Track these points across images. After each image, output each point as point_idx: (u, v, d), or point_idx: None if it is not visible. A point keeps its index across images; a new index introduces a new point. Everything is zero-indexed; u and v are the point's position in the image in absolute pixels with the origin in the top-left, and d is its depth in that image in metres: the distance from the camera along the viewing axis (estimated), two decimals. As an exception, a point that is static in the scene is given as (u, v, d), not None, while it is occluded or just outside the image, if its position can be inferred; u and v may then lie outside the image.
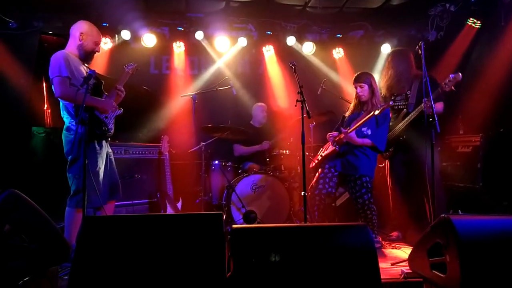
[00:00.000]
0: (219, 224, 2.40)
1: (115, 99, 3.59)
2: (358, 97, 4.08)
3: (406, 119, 4.13)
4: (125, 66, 3.72)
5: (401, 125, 4.19)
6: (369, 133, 3.93)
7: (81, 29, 3.47)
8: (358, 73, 4.10)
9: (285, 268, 2.31)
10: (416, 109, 4.04)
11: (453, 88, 3.77)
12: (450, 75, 3.78)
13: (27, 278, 2.20)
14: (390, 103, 3.91)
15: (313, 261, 2.34)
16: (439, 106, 3.95)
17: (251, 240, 2.38)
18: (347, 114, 4.22)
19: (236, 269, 2.28)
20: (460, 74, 3.75)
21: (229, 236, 2.40)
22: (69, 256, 2.54)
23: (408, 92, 4.25)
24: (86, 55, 3.51)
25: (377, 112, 3.74)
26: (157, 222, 2.41)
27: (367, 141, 3.92)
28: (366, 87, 3.99)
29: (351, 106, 4.22)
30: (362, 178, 3.94)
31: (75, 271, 2.16)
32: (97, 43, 3.55)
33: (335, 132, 4.14)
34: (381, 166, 4.60)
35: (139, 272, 2.21)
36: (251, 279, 2.26)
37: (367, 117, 3.83)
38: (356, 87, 4.05)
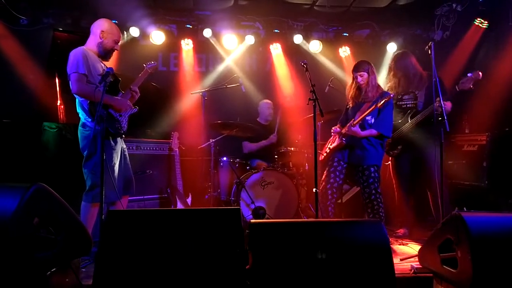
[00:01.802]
0: (237, 219, 2.47)
1: (130, 99, 3.66)
2: (357, 86, 4.13)
3: (416, 117, 4.19)
4: (145, 64, 3.78)
5: (409, 124, 4.25)
6: (372, 122, 4.00)
7: (102, 27, 3.52)
8: (357, 62, 4.18)
9: (301, 261, 2.38)
10: (427, 108, 4.09)
11: (471, 86, 3.82)
12: (468, 74, 3.83)
13: (54, 269, 2.26)
14: (391, 95, 3.94)
15: (329, 255, 2.41)
16: (448, 105, 4.02)
17: (269, 234, 2.46)
18: (350, 105, 4.27)
19: (254, 262, 2.35)
20: (480, 72, 3.79)
21: (247, 231, 2.48)
22: (90, 249, 2.61)
23: (416, 92, 4.31)
24: (106, 53, 3.58)
25: (379, 104, 3.83)
26: (178, 217, 2.49)
27: (372, 131, 3.99)
28: (365, 75, 4.06)
29: (350, 96, 4.25)
30: (370, 168, 4.02)
31: (100, 263, 2.23)
32: (117, 42, 3.61)
33: (338, 128, 4.21)
34: (386, 164, 4.66)
35: (161, 265, 2.28)
36: (269, 271, 2.34)
37: (370, 109, 3.90)
38: (356, 77, 4.10)
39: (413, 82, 4.30)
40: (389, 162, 4.62)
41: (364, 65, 4.09)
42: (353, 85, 4.19)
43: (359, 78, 4.08)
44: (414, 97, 4.32)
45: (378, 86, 4.14)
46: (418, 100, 4.28)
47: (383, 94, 4.04)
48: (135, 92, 3.67)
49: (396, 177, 4.50)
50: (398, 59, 4.41)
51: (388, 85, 4.48)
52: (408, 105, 4.36)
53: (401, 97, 4.39)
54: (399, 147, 4.38)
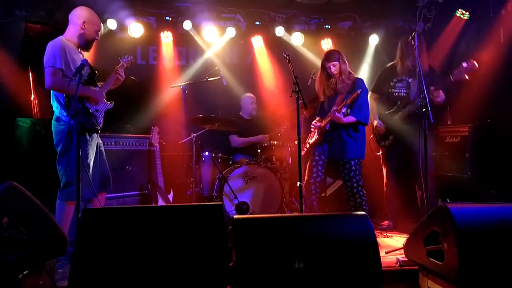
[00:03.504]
0: (220, 215, 2.40)
1: (114, 83, 3.54)
2: (328, 77, 4.06)
3: (408, 106, 4.18)
4: (121, 58, 3.65)
5: (402, 114, 4.23)
6: (349, 112, 3.95)
7: (83, 18, 3.38)
8: (327, 51, 4.14)
9: (286, 257, 2.32)
10: (413, 104, 4.08)
11: (466, 77, 3.81)
12: (463, 64, 3.81)
13: (26, 271, 2.15)
14: (358, 91, 3.83)
15: (314, 250, 2.36)
16: (441, 95, 4.00)
17: (253, 230, 2.39)
18: (324, 100, 4.20)
19: (238, 259, 2.28)
20: (476, 62, 3.78)
21: (230, 227, 2.40)
22: (66, 250, 2.50)
23: (410, 80, 4.28)
24: (87, 44, 3.45)
25: (348, 101, 3.82)
26: (157, 213, 2.41)
27: (351, 118, 3.93)
28: (338, 64, 4.00)
29: (322, 90, 4.16)
30: (351, 162, 3.98)
31: (76, 264, 2.13)
32: (98, 32, 3.48)
33: (318, 122, 4.17)
34: (378, 154, 4.61)
35: (141, 264, 2.19)
36: (253, 268, 2.27)
37: (346, 101, 3.86)
38: (329, 67, 4.03)
39: (409, 68, 4.24)
40: (380, 153, 4.58)
41: (336, 54, 4.03)
42: (323, 77, 4.11)
43: (332, 68, 4.01)
44: (407, 85, 4.29)
45: (350, 73, 4.08)
46: (411, 89, 4.25)
47: (356, 82, 3.99)
48: (120, 75, 3.55)
49: (386, 168, 4.48)
50: (402, 42, 4.32)
51: (391, 63, 4.44)
52: (401, 94, 4.32)
53: (394, 84, 4.34)
54: (390, 137, 4.34)
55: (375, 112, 4.44)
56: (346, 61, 4.06)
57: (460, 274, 2.28)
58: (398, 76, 4.34)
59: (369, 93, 4.35)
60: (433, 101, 3.89)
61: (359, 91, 3.78)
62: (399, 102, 4.28)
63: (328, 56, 4.05)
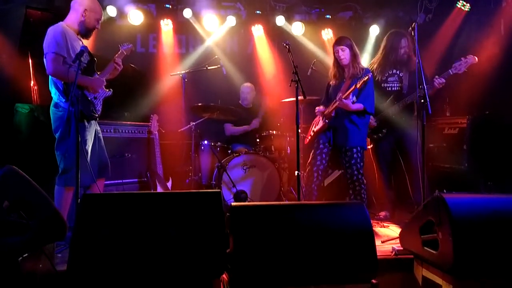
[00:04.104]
0: (218, 202, 2.42)
1: (112, 73, 3.54)
2: (338, 61, 4.05)
3: (404, 100, 4.17)
4: (120, 45, 3.64)
5: (395, 107, 4.23)
6: (354, 100, 3.96)
7: (84, 5, 3.36)
8: (339, 37, 4.11)
9: (283, 244, 2.35)
10: (412, 95, 4.09)
11: (465, 70, 3.84)
12: (462, 58, 3.84)
13: (26, 254, 2.17)
14: (370, 75, 3.86)
15: (311, 238, 2.39)
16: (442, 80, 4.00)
17: (250, 217, 2.41)
18: (333, 82, 4.20)
19: (235, 245, 2.31)
20: (476, 57, 3.80)
21: (227, 214, 2.42)
22: (65, 234, 2.52)
23: (401, 74, 4.29)
24: (87, 32, 3.44)
25: (358, 85, 3.77)
26: (156, 200, 2.42)
27: (359, 106, 3.94)
28: (347, 50, 3.98)
29: (331, 74, 4.19)
30: (353, 149, 4.00)
31: (74, 248, 2.15)
32: (99, 20, 3.47)
33: (322, 107, 4.17)
34: (368, 147, 4.63)
35: (139, 250, 2.21)
36: (250, 255, 2.30)
37: (352, 88, 3.85)
38: (337, 51, 4.01)
39: (399, 62, 4.26)
40: (370, 146, 4.60)
41: (346, 40, 4.01)
42: (335, 63, 4.11)
43: (340, 52, 3.99)
44: (399, 79, 4.29)
45: (359, 63, 4.06)
46: (403, 83, 4.26)
47: (364, 71, 3.98)
48: (118, 65, 3.55)
49: (377, 161, 4.49)
50: (390, 36, 4.34)
51: (375, 61, 4.42)
52: (393, 88, 4.32)
53: (386, 78, 4.33)
54: (383, 130, 4.35)
55: None
56: (357, 51, 4.05)
57: (454, 263, 2.30)
58: (388, 70, 4.32)
59: None
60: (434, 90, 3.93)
61: (369, 75, 3.77)
62: (394, 95, 4.28)
63: (338, 40, 4.04)
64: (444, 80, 3.94)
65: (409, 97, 4.16)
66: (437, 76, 3.93)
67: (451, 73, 3.89)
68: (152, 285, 2.19)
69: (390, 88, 4.34)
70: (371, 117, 4.28)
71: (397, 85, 4.30)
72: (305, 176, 4.23)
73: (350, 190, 4.05)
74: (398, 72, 4.30)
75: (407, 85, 4.24)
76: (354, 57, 4.00)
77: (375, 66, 4.39)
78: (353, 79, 3.93)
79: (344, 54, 3.98)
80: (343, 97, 3.88)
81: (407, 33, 4.25)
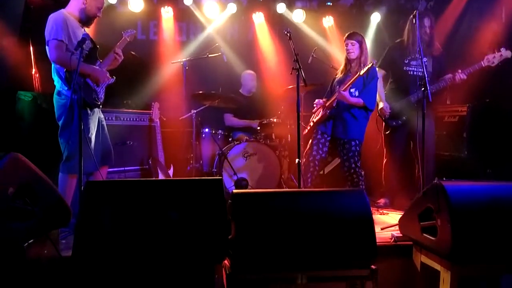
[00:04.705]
0: (219, 189, 2.45)
1: (112, 64, 3.54)
2: (347, 55, 4.09)
3: (430, 87, 4.08)
4: (123, 32, 3.64)
5: (417, 95, 4.10)
6: (356, 94, 3.99)
7: None
8: (351, 31, 4.11)
9: (284, 231, 2.39)
10: (441, 81, 4.09)
11: (499, 63, 3.83)
12: (496, 51, 3.83)
13: (31, 240, 2.21)
14: (373, 61, 3.88)
15: (311, 225, 2.42)
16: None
17: (251, 204, 2.45)
18: (337, 76, 4.24)
19: (237, 232, 2.34)
20: (510, 52, 3.78)
21: (229, 201, 2.46)
22: (69, 221, 2.56)
23: (424, 59, 4.15)
24: (88, 19, 3.43)
25: (362, 72, 3.80)
26: (158, 187, 2.45)
27: (359, 100, 3.97)
28: (357, 45, 4.03)
29: (340, 69, 4.24)
30: (351, 142, 4.02)
31: (79, 235, 2.19)
32: (100, 9, 3.46)
33: (322, 100, 4.19)
34: (386, 133, 4.49)
35: (142, 236, 2.25)
36: (251, 241, 2.34)
37: (354, 77, 3.88)
38: (347, 44, 4.06)
39: (421, 46, 4.18)
40: (387, 131, 4.44)
41: (358, 35, 4.06)
42: (345, 58, 4.15)
43: (350, 46, 4.03)
44: (423, 65, 4.22)
45: (367, 58, 4.06)
46: (426, 69, 4.14)
47: (370, 69, 3.96)
48: (119, 55, 3.55)
49: (389, 149, 4.42)
50: (413, 17, 4.24)
51: (397, 44, 4.38)
52: (416, 73, 4.18)
53: (408, 61, 4.23)
54: (404, 117, 4.23)
55: (381, 92, 4.30)
56: (367, 49, 4.08)
57: (453, 249, 2.34)
58: (411, 54, 4.23)
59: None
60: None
61: (361, 72, 3.79)
62: (419, 81, 4.18)
63: (350, 35, 4.06)
64: (465, 77, 3.93)
65: (437, 85, 4.08)
66: (460, 70, 3.87)
67: (483, 65, 3.85)
68: (155, 271, 2.23)
69: (412, 73, 4.22)
70: (387, 104, 4.25)
71: (420, 70, 4.11)
72: (302, 166, 4.24)
73: (348, 181, 4.07)
74: (420, 57, 4.22)
75: (430, 72, 4.13)
76: (363, 52, 4.02)
77: (396, 48, 4.33)
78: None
79: (354, 49, 4.02)
80: (342, 89, 3.90)
81: (431, 14, 4.21)
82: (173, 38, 6.10)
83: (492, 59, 3.82)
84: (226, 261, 2.41)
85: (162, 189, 2.41)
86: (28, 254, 2.22)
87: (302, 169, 4.14)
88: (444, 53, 4.28)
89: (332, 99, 4.04)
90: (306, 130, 4.40)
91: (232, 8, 5.92)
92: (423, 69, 3.48)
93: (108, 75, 3.50)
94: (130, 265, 2.23)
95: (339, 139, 4.08)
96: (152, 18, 6.07)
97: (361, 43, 4.03)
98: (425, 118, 3.38)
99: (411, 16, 4.18)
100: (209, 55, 4.98)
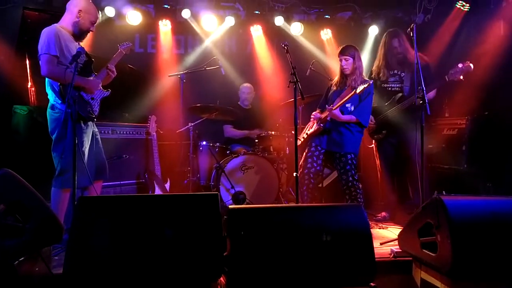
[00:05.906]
0: (215, 205, 2.41)
1: (105, 79, 3.52)
2: (341, 70, 4.07)
3: (403, 103, 4.15)
4: (119, 45, 3.63)
5: (396, 109, 4.21)
6: (352, 109, 3.97)
7: (79, 6, 3.35)
8: (344, 45, 4.10)
9: (281, 247, 2.34)
10: (410, 98, 4.08)
11: (461, 78, 3.84)
12: (459, 64, 3.84)
13: (22, 258, 2.16)
14: (371, 81, 3.90)
15: (309, 241, 2.37)
16: (430, 95, 4.02)
17: (247, 220, 2.40)
18: (333, 89, 4.20)
19: (233, 248, 2.30)
20: (471, 64, 3.81)
21: (225, 217, 2.41)
22: (61, 237, 2.51)
23: (402, 74, 4.28)
24: (81, 33, 3.42)
25: (358, 90, 3.77)
26: (152, 203, 2.41)
27: (352, 117, 3.94)
28: (350, 60, 3.98)
29: (335, 80, 4.21)
30: (347, 156, 3.98)
31: (70, 251, 2.14)
32: (93, 23, 3.46)
33: (318, 113, 4.16)
34: (369, 146, 4.64)
35: (136, 252, 2.20)
36: (247, 258, 2.29)
37: (350, 95, 3.85)
38: (341, 60, 4.03)
39: (398, 62, 4.24)
40: (373, 145, 4.58)
41: (351, 50, 4.00)
42: (340, 71, 4.12)
43: (343, 62, 4.00)
44: (400, 80, 4.27)
45: (361, 73, 4.04)
46: (404, 84, 4.23)
47: (364, 81, 3.98)
48: (112, 71, 3.53)
49: (380, 160, 4.48)
50: (384, 37, 4.35)
51: (375, 63, 4.43)
52: (394, 88, 4.30)
53: (386, 79, 4.31)
54: (383, 131, 4.33)
55: None
56: (361, 60, 4.05)
57: (453, 266, 2.30)
58: (390, 71, 4.31)
59: None
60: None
61: (359, 90, 3.76)
62: (395, 96, 4.26)
63: (343, 49, 4.02)
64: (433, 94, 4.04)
65: (408, 100, 4.14)
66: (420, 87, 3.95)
67: (447, 79, 3.90)
68: (149, 288, 2.18)
69: (390, 89, 4.32)
70: (371, 117, 4.27)
71: (398, 85, 4.28)
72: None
73: (346, 195, 4.02)
74: (399, 72, 4.28)
75: (408, 87, 4.21)
76: (358, 67, 3.99)
77: (374, 68, 4.39)
78: (354, 88, 3.92)
79: (348, 64, 3.99)
80: (333, 108, 3.87)
81: (402, 33, 4.26)
82: (171, 51, 6.12)
83: (454, 74, 3.86)
84: (221, 279, 2.36)
85: (156, 205, 2.37)
86: (19, 271, 2.16)
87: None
88: (429, 64, 4.28)
89: (325, 115, 4.01)
90: (300, 142, 4.36)
91: (230, 21, 5.94)
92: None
93: (101, 85, 3.47)
94: (123, 284, 2.18)
95: (335, 152, 4.05)
96: (150, 32, 6.09)
97: (355, 56, 3.99)
98: (419, 130, 3.38)
99: (383, 37, 4.39)
100: (207, 68, 4.96)
